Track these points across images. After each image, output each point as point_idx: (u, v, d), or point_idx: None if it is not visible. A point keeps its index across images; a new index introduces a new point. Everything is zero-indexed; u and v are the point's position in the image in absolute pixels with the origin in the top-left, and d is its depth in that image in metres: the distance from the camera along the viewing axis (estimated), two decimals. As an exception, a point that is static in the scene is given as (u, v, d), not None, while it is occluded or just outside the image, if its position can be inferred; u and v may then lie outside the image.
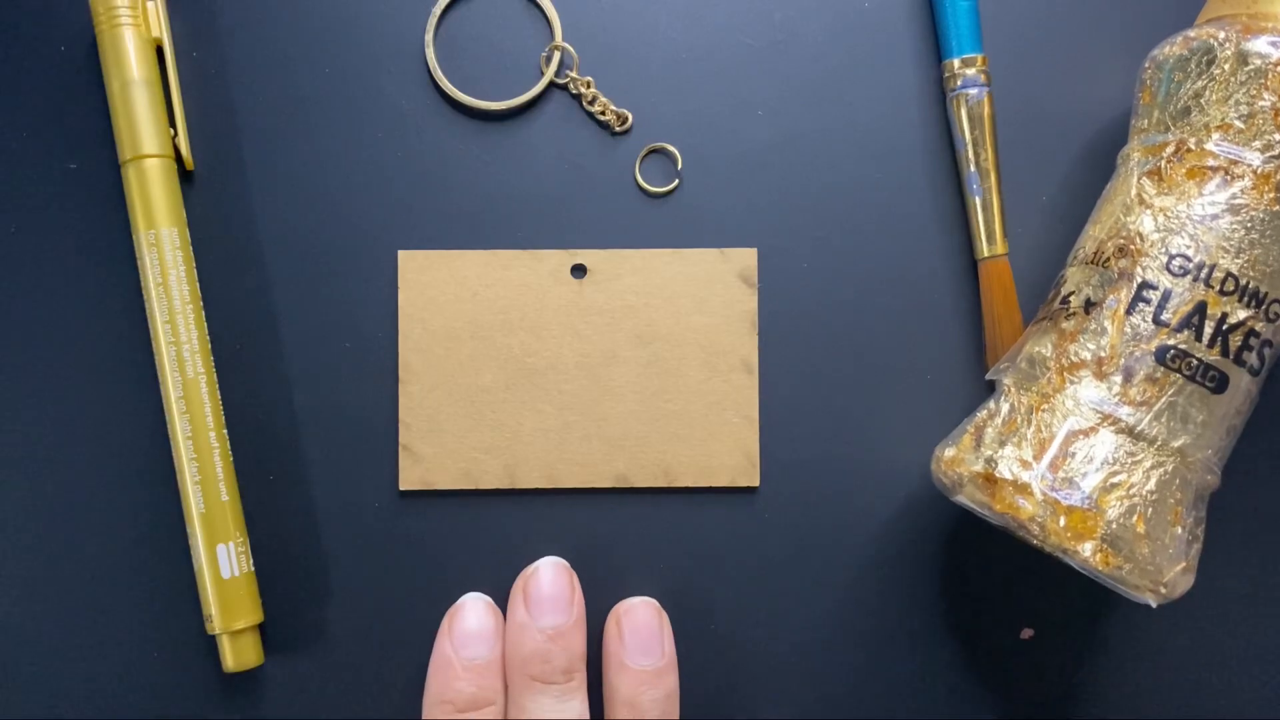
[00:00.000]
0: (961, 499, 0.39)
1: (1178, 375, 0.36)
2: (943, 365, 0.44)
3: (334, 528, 0.43)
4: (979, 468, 0.38)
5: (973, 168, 0.44)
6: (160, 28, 0.43)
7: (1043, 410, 0.38)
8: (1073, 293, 0.39)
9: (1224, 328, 0.36)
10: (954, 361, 0.44)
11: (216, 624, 0.41)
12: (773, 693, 0.44)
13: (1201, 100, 0.38)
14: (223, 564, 0.41)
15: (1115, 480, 0.36)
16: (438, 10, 0.44)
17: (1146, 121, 0.40)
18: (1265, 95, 0.36)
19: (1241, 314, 0.37)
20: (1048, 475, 0.36)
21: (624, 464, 0.44)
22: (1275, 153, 0.36)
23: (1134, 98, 0.41)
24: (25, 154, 0.44)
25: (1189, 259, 0.37)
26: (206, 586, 0.41)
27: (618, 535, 0.44)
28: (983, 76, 0.44)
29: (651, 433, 0.44)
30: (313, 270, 0.44)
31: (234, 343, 0.44)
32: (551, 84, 0.44)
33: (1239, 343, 0.37)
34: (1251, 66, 0.37)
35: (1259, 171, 0.36)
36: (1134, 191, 0.39)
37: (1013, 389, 0.39)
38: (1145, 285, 0.37)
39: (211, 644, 0.43)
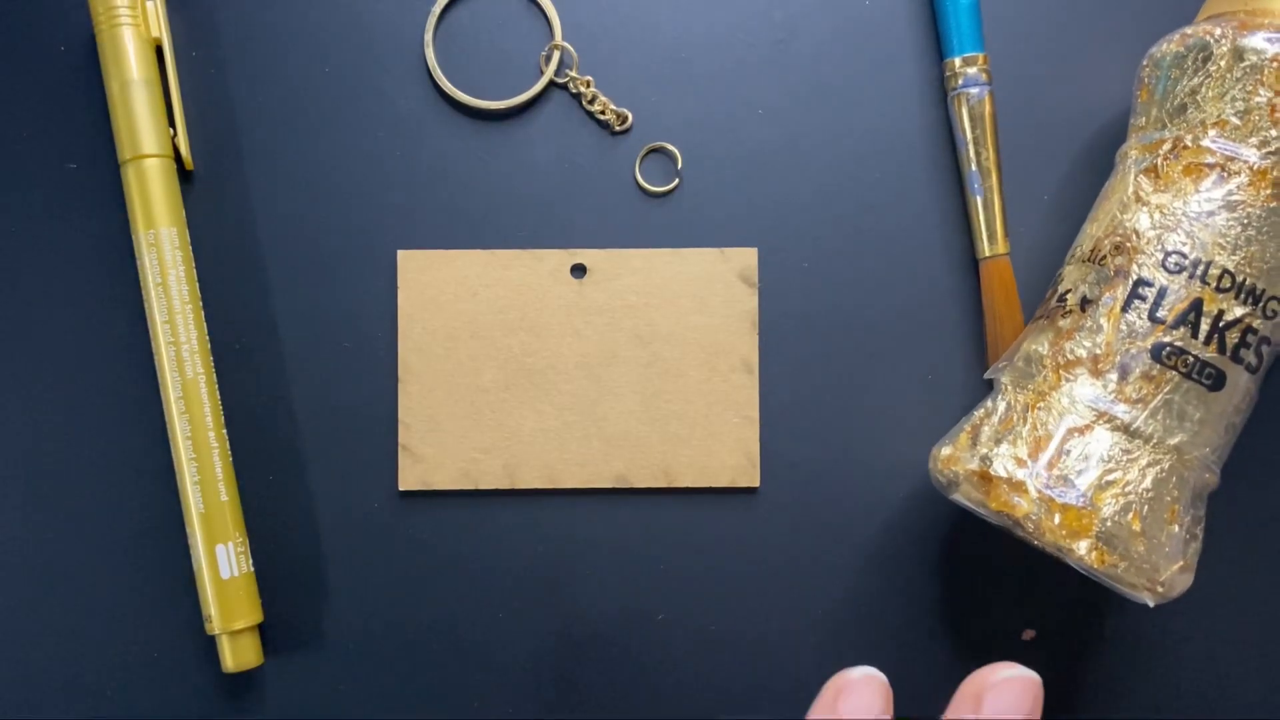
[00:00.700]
0: (958, 497, 0.39)
1: (1174, 372, 0.36)
2: (944, 365, 0.44)
3: (334, 528, 0.43)
4: (974, 466, 0.38)
5: (974, 167, 0.44)
6: (160, 27, 0.43)
7: (1039, 408, 0.37)
8: (1069, 291, 0.39)
9: (1220, 325, 0.36)
10: (955, 361, 0.44)
11: (216, 624, 0.41)
12: (772, 692, 0.44)
13: (1198, 97, 0.38)
14: (222, 564, 0.41)
15: (1111, 478, 0.36)
16: (437, 10, 0.44)
17: (1144, 119, 0.40)
18: (1261, 91, 0.36)
19: (1238, 311, 0.36)
20: (1043, 473, 0.36)
21: (624, 464, 0.43)
22: (1271, 149, 0.36)
23: (1132, 96, 0.41)
24: (25, 154, 0.44)
25: (1185, 256, 0.37)
26: (206, 587, 0.41)
27: (618, 535, 0.44)
28: (984, 75, 0.44)
29: (651, 433, 0.43)
30: (312, 270, 0.44)
31: (234, 343, 0.44)
32: (551, 83, 0.44)
33: (1236, 340, 0.36)
34: (1247, 63, 0.37)
35: (1255, 168, 0.36)
36: (1131, 189, 0.38)
37: (1010, 387, 0.39)
38: (1141, 282, 0.37)
39: (211, 644, 0.43)
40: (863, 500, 0.44)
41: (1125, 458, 0.36)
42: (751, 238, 0.44)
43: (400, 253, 0.43)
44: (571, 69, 0.44)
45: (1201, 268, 0.36)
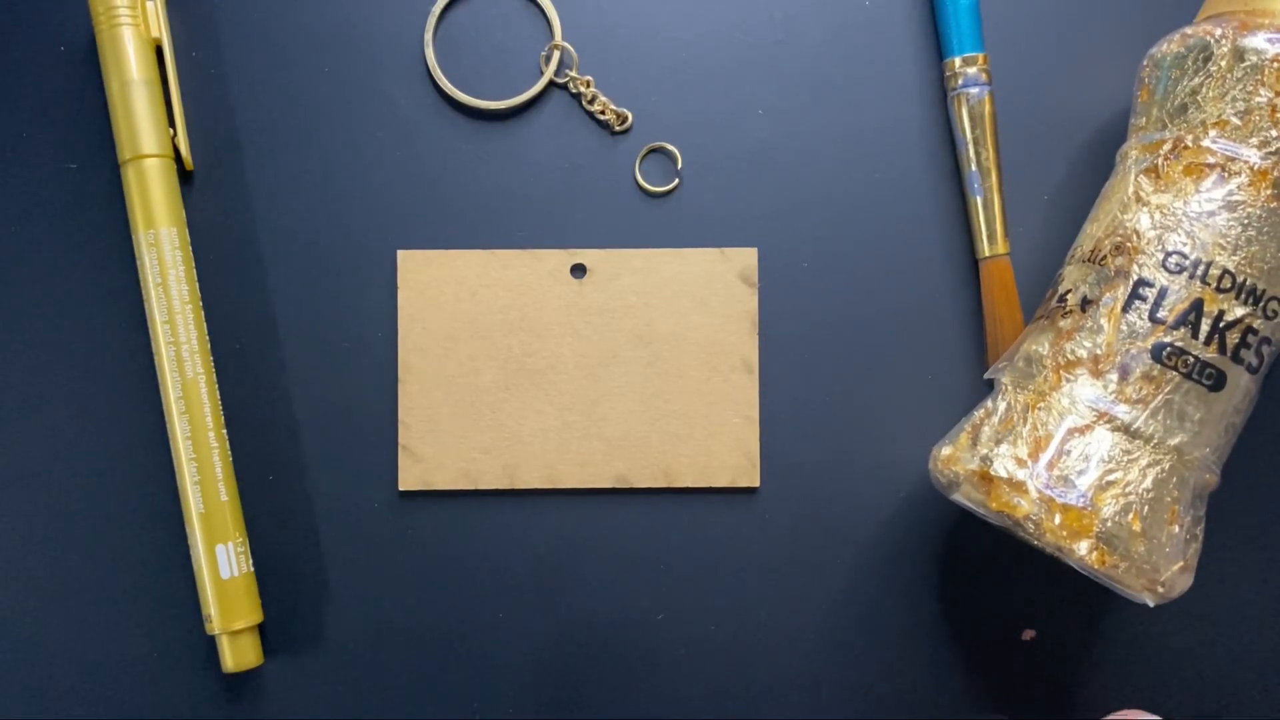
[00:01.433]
0: (958, 498, 0.39)
1: (1174, 373, 0.36)
2: (944, 365, 0.44)
3: (334, 528, 0.43)
4: (975, 466, 0.38)
5: (973, 167, 0.44)
6: (160, 28, 0.43)
7: (1039, 408, 0.37)
8: (1070, 291, 0.39)
9: (1221, 325, 0.36)
10: (955, 361, 0.44)
11: (216, 624, 0.41)
12: (772, 693, 0.44)
13: (1198, 97, 0.38)
14: (222, 564, 0.41)
15: (1111, 478, 0.36)
16: (437, 10, 0.44)
17: (1145, 119, 0.40)
18: (1262, 91, 0.36)
19: (1239, 311, 0.36)
20: (1043, 473, 0.36)
21: (624, 464, 0.43)
22: (1272, 149, 0.36)
23: (1133, 96, 0.41)
24: (25, 154, 0.44)
25: (1185, 256, 0.37)
26: (206, 587, 0.41)
27: (618, 535, 0.44)
28: (984, 75, 0.44)
29: (651, 433, 0.43)
30: (312, 270, 0.44)
31: (234, 343, 0.44)
32: (551, 83, 0.44)
33: (1236, 340, 0.36)
34: (1248, 63, 0.37)
35: (1256, 168, 0.36)
36: (1131, 189, 0.38)
37: (1010, 387, 0.39)
38: (1141, 283, 0.37)
39: (211, 644, 0.43)
40: (863, 500, 0.44)
41: (1126, 458, 0.36)
42: (751, 238, 0.44)
43: (400, 253, 0.43)
44: (571, 69, 0.44)
45: (1202, 268, 0.36)
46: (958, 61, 0.44)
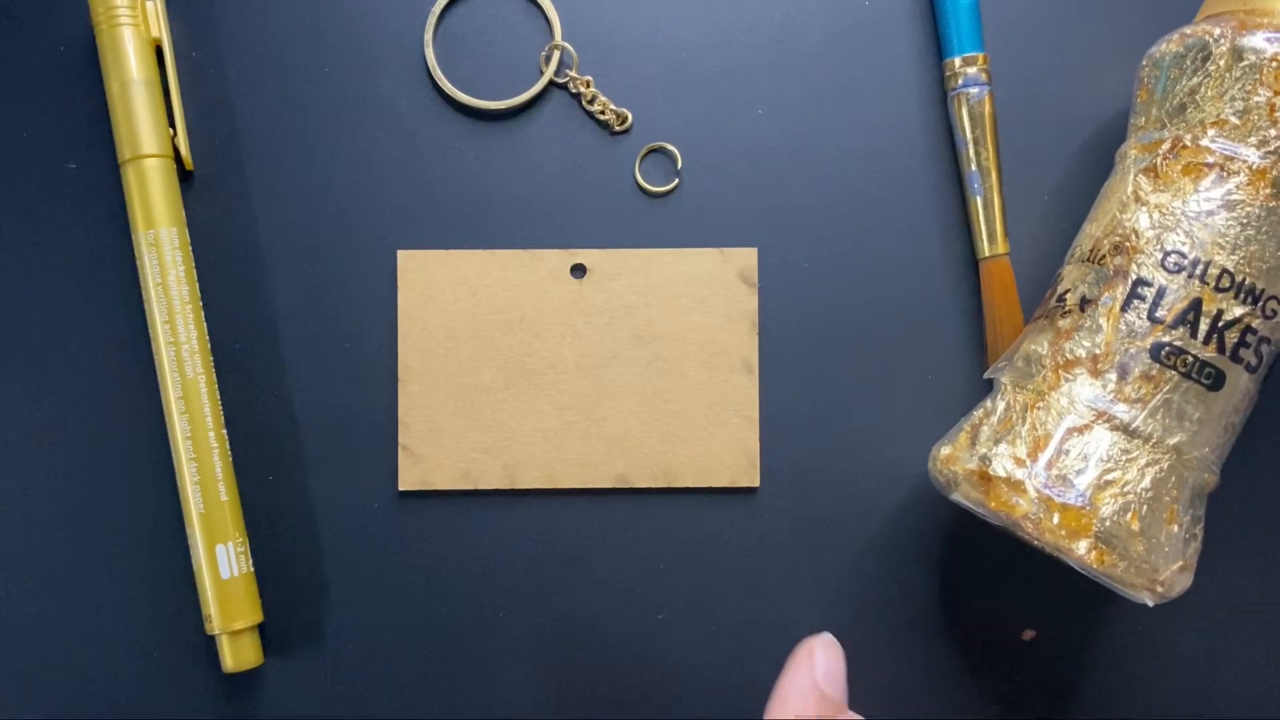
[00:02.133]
0: (958, 497, 0.39)
1: (1173, 372, 0.36)
2: (944, 365, 0.44)
3: (334, 528, 0.43)
4: (973, 465, 0.38)
5: (973, 167, 0.44)
6: (160, 27, 0.43)
7: (1038, 408, 0.37)
8: (1069, 290, 0.39)
9: (1220, 324, 0.36)
10: (955, 361, 0.44)
11: (216, 624, 0.41)
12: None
13: (1197, 97, 0.38)
14: (222, 564, 0.41)
15: (1110, 478, 0.36)
16: (437, 10, 0.44)
17: (1144, 119, 0.40)
18: (1260, 91, 0.36)
19: (1238, 310, 0.36)
20: (1042, 473, 0.36)
21: (624, 464, 0.43)
22: (1271, 148, 0.36)
23: (1132, 95, 0.41)
24: (25, 154, 0.44)
25: (1184, 255, 0.37)
26: (206, 587, 0.41)
27: (618, 535, 0.44)
28: (984, 75, 0.44)
29: (651, 433, 0.43)
30: (312, 270, 0.44)
31: (234, 343, 0.44)
32: (551, 83, 0.44)
33: (1235, 339, 0.36)
34: (1246, 62, 0.37)
35: (1254, 167, 0.36)
36: (1130, 189, 0.38)
37: (1009, 387, 0.39)
38: (1140, 282, 0.37)
39: (211, 644, 0.43)
40: (863, 500, 0.44)
41: (1124, 457, 0.36)
42: (751, 238, 0.44)
43: (400, 253, 0.43)
44: (571, 69, 0.44)
45: (1201, 267, 0.36)
46: (958, 61, 0.44)
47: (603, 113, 0.44)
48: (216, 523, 0.41)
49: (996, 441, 0.38)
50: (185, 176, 0.44)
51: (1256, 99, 0.36)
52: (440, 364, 0.43)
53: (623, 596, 0.44)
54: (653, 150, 0.45)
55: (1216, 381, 0.37)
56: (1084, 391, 0.37)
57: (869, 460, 0.44)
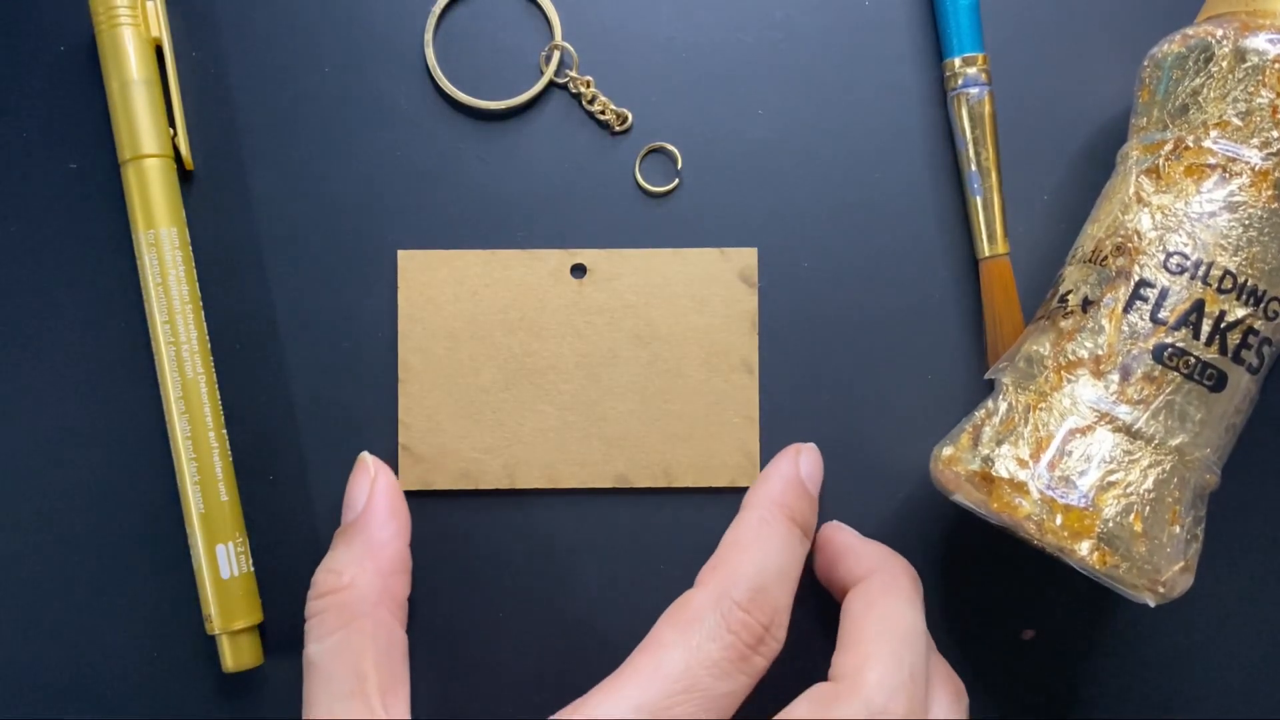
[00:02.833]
0: (959, 498, 0.39)
1: (1175, 373, 0.36)
2: (943, 365, 0.44)
3: (334, 528, 0.43)
4: (976, 467, 0.38)
5: (973, 167, 0.44)
6: (160, 27, 0.43)
7: (1040, 409, 0.37)
8: (1070, 291, 0.39)
9: (1222, 326, 0.36)
10: (955, 361, 0.44)
11: (216, 624, 0.41)
12: (772, 693, 0.44)
13: (1199, 98, 0.38)
14: (222, 564, 0.41)
15: (1112, 479, 0.36)
16: (437, 10, 0.44)
17: (1145, 120, 0.40)
18: (1263, 92, 0.36)
19: (1240, 312, 0.36)
20: (1044, 474, 0.36)
21: (624, 464, 0.43)
22: (1273, 150, 0.36)
23: (1133, 96, 0.41)
24: (25, 154, 0.44)
25: (1186, 257, 0.37)
26: (206, 587, 0.41)
27: (618, 535, 0.44)
28: (984, 75, 0.44)
29: (651, 432, 0.43)
30: (312, 270, 0.44)
31: (234, 343, 0.44)
32: (551, 83, 0.44)
33: (1237, 341, 0.36)
34: (1249, 64, 0.37)
35: (1257, 169, 0.36)
36: (1132, 190, 0.38)
37: (1011, 388, 0.39)
38: (1143, 283, 0.37)
39: (211, 644, 0.43)
40: (863, 500, 0.44)
41: (1127, 459, 0.36)
42: (751, 238, 0.44)
43: (400, 253, 0.43)
44: (571, 69, 0.44)
45: (1203, 269, 0.36)
46: (958, 62, 0.44)
47: (603, 113, 0.44)
48: (216, 523, 0.41)
49: (999, 442, 0.38)
50: (185, 176, 0.44)
51: (1259, 100, 0.36)
52: (440, 364, 0.43)
53: (623, 596, 0.44)
54: (653, 150, 0.45)
55: (1218, 383, 0.37)
56: (1086, 392, 0.37)
57: (869, 460, 0.44)
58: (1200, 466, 0.37)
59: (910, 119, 0.45)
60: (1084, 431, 0.37)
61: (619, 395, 0.43)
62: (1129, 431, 0.36)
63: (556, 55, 0.44)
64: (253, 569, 0.42)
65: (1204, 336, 0.36)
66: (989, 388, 0.44)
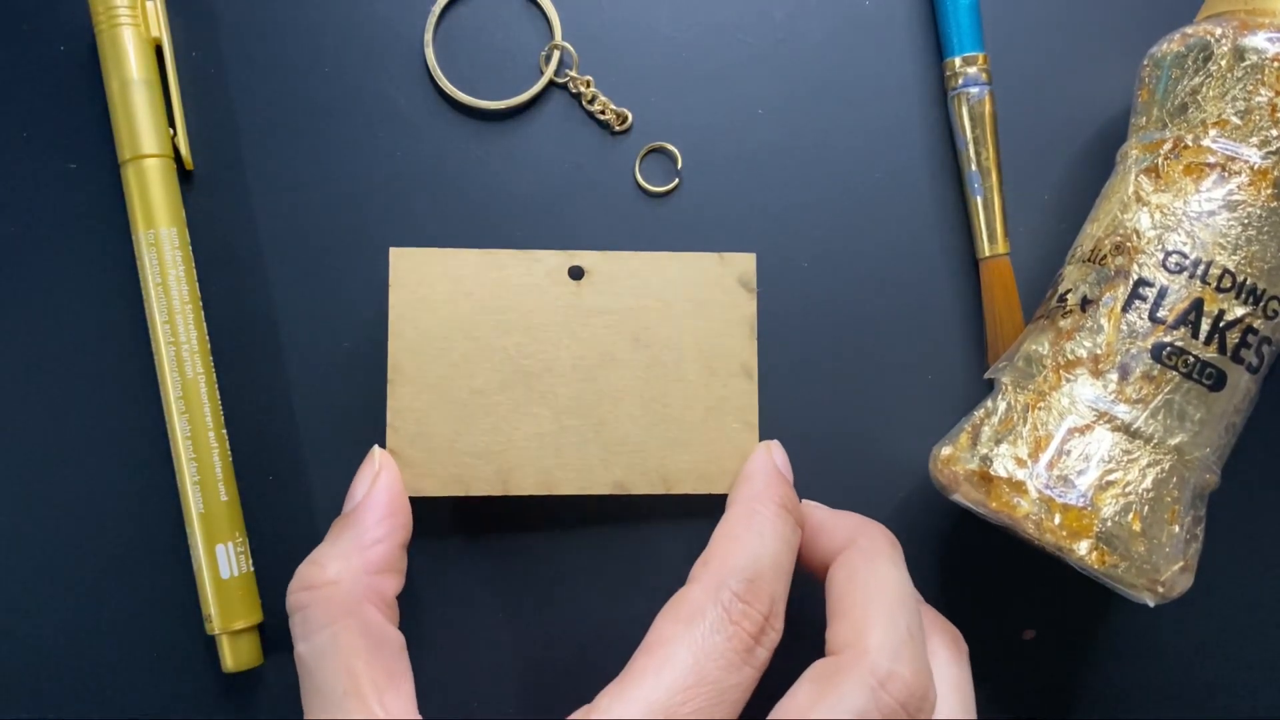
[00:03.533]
0: (959, 498, 0.39)
1: (1174, 373, 0.36)
2: (944, 365, 0.44)
3: (334, 528, 0.43)
4: (974, 466, 0.38)
5: (974, 167, 0.44)
6: (160, 27, 0.43)
7: (1039, 408, 0.37)
8: (1069, 290, 0.39)
9: (1221, 325, 0.36)
10: (955, 361, 0.44)
11: (216, 624, 0.41)
12: (772, 693, 0.43)
13: (1199, 97, 0.38)
14: (222, 564, 0.41)
15: (1111, 478, 0.36)
16: (437, 9, 0.44)
17: (1145, 119, 0.40)
18: (1262, 91, 0.36)
19: (1239, 311, 0.36)
20: (1043, 473, 0.36)
21: (621, 470, 0.43)
22: (1272, 149, 0.36)
23: (1133, 95, 0.41)
24: (25, 154, 0.44)
25: (1185, 256, 0.37)
26: (206, 587, 0.41)
27: (615, 542, 0.44)
28: (984, 75, 0.44)
29: (650, 438, 0.43)
30: (312, 270, 0.44)
31: (233, 343, 0.44)
32: (551, 83, 0.44)
33: (1236, 340, 0.36)
34: (1248, 62, 0.37)
35: (1256, 168, 0.36)
36: (1131, 189, 0.38)
37: (1010, 387, 0.39)
38: (1141, 282, 0.37)
39: (211, 644, 0.43)
40: (863, 500, 0.44)
41: (1126, 458, 0.36)
42: (751, 237, 0.44)
43: (393, 250, 0.42)
44: (571, 69, 0.44)
45: (1202, 267, 0.36)
46: (958, 61, 0.44)
47: (603, 113, 0.44)
48: (216, 523, 0.41)
49: (998, 442, 0.38)
50: (185, 176, 0.44)
51: (1258, 99, 0.36)
52: (433, 365, 0.42)
53: (621, 604, 0.44)
54: (653, 150, 0.45)
55: (1218, 382, 0.37)
56: (1085, 392, 0.37)
57: (869, 461, 0.44)
58: (1199, 466, 0.37)
59: (910, 119, 0.45)
60: (1083, 431, 0.36)
61: (617, 399, 0.43)
62: (1128, 431, 0.36)
63: (556, 55, 0.44)
64: (252, 569, 0.42)
65: (1203, 335, 0.36)
66: (989, 387, 0.44)
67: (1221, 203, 0.37)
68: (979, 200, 0.44)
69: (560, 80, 0.44)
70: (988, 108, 0.44)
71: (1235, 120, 0.37)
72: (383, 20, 0.45)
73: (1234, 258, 0.36)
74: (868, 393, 0.44)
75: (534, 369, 0.42)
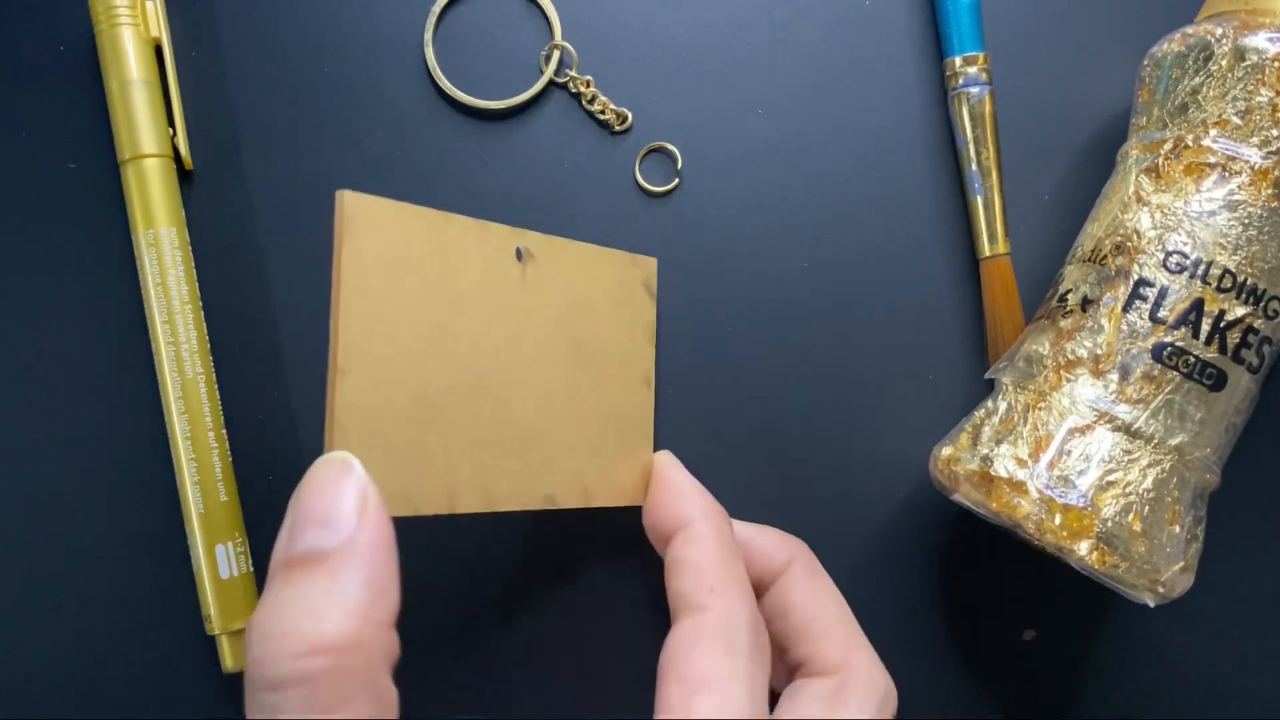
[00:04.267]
0: (959, 498, 0.39)
1: (1175, 373, 0.36)
2: (944, 365, 0.44)
3: (334, 528, 0.43)
4: (975, 466, 0.38)
5: (974, 166, 0.44)
6: (159, 27, 0.43)
7: (1039, 408, 0.37)
8: (1070, 291, 0.39)
9: (1221, 325, 0.36)
10: (956, 361, 0.44)
11: (215, 624, 0.41)
12: (774, 694, 0.43)
13: (1199, 97, 0.38)
14: (221, 564, 0.41)
15: (1111, 478, 0.36)
16: (437, 9, 0.44)
17: (1145, 119, 0.40)
18: (1262, 91, 0.36)
19: (1239, 311, 0.36)
20: (1044, 473, 0.36)
21: (550, 483, 0.38)
22: (1273, 148, 0.36)
23: (1133, 95, 0.41)
24: (25, 154, 0.44)
25: (1186, 256, 0.37)
26: (205, 587, 0.41)
27: (614, 540, 0.44)
28: (984, 75, 0.44)
29: (575, 447, 0.38)
30: (312, 270, 0.44)
31: (233, 343, 0.44)
32: (551, 83, 0.44)
33: (1237, 340, 0.36)
34: (1248, 62, 0.37)
35: (1256, 167, 0.36)
36: (1132, 189, 0.38)
37: (1010, 387, 0.39)
38: (1142, 282, 0.37)
39: (211, 644, 0.43)
40: (863, 500, 0.44)
41: (1126, 458, 0.36)
42: (751, 237, 0.44)
43: (345, 194, 0.33)
44: (571, 69, 0.44)
45: (1202, 268, 0.36)
46: (958, 61, 0.44)
47: (603, 112, 0.44)
48: (216, 523, 0.41)
49: (998, 442, 0.38)
50: (185, 176, 0.44)
51: (1259, 99, 0.36)
52: (389, 350, 0.34)
53: (622, 597, 0.44)
54: (653, 150, 0.45)
55: (1218, 382, 0.37)
56: (1086, 392, 0.37)
57: (869, 460, 0.44)
58: (1200, 466, 0.37)
59: (911, 119, 0.45)
60: (1083, 431, 0.36)
61: (552, 403, 0.38)
62: (1128, 431, 0.36)
63: (556, 55, 0.44)
64: (252, 569, 0.42)
65: (1203, 335, 0.36)
66: (989, 387, 0.44)
67: (1222, 203, 0.37)
68: (979, 200, 0.44)
69: (560, 80, 0.44)
70: (988, 107, 0.44)
71: (1236, 120, 0.37)
72: (383, 20, 0.45)
73: (1235, 258, 0.36)
74: (867, 392, 0.44)
75: (484, 363, 0.36)
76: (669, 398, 0.44)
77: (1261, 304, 0.36)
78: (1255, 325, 0.37)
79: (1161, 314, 0.37)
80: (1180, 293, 0.36)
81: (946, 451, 0.39)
